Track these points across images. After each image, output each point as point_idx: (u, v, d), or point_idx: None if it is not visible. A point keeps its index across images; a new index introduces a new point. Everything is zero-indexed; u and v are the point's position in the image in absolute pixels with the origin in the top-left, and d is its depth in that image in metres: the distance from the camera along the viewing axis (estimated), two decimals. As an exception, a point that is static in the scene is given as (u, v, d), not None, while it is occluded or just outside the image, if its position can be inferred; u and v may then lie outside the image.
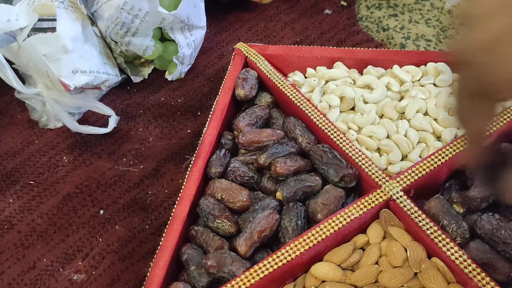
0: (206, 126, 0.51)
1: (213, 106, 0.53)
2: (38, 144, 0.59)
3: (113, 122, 0.57)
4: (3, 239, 0.51)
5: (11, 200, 0.54)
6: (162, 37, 0.61)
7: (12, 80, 0.53)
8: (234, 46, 0.57)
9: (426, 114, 0.51)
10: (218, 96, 0.53)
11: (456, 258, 0.40)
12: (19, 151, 0.59)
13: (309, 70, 0.56)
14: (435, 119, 0.50)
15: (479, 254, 0.40)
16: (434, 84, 0.52)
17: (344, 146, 0.47)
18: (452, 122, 0.49)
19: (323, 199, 0.45)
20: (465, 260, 0.39)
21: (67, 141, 0.59)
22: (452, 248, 0.40)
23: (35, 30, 0.55)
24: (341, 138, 0.48)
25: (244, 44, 0.57)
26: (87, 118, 0.61)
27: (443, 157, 0.45)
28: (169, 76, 0.63)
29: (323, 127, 0.49)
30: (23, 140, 0.59)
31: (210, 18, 0.64)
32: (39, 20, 0.55)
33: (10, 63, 0.55)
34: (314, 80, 0.54)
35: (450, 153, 0.46)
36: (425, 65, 0.54)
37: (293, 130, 0.50)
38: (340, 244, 0.43)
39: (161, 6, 0.55)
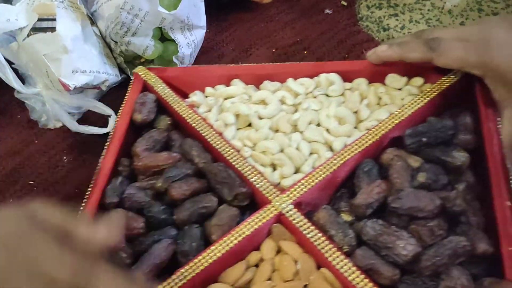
0: (103, 154, 0.51)
1: (110, 133, 0.52)
2: (38, 144, 0.59)
3: (113, 122, 0.57)
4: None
5: (10, 200, 0.54)
6: (162, 37, 0.60)
7: (11, 80, 0.54)
8: (133, 71, 0.57)
9: (319, 125, 0.52)
10: (115, 122, 0.53)
11: (342, 267, 0.40)
12: (19, 151, 0.59)
13: (208, 89, 0.56)
14: (327, 130, 0.51)
15: (364, 260, 0.41)
16: (327, 95, 0.54)
17: (237, 164, 0.48)
18: (342, 131, 0.50)
19: (217, 219, 0.45)
20: (349, 268, 0.40)
21: (67, 141, 0.59)
22: (338, 257, 0.41)
23: (35, 30, 0.55)
24: (235, 156, 0.48)
25: (143, 68, 0.57)
26: (87, 118, 0.61)
27: (331, 167, 0.46)
28: None
29: (217, 147, 0.49)
30: (23, 140, 0.59)
31: (210, 18, 0.64)
32: (39, 20, 0.55)
33: (10, 63, 0.55)
34: (211, 100, 0.54)
35: (338, 162, 0.46)
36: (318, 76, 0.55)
37: (189, 151, 0.50)
38: (236, 263, 0.44)
39: (161, 6, 0.54)
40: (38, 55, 0.54)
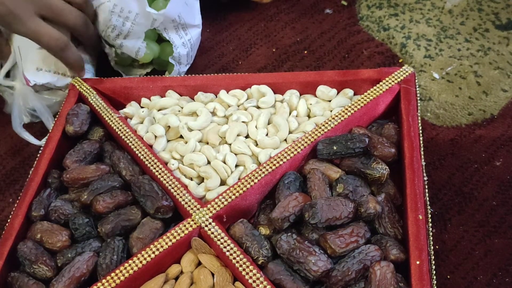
0: (33, 166, 0.51)
1: (42, 144, 0.53)
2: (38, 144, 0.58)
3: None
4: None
5: (10, 200, 0.54)
6: (160, 38, 0.60)
7: None
8: (70, 81, 0.58)
9: (248, 137, 0.52)
10: (48, 134, 0.53)
11: (254, 281, 0.41)
12: (18, 151, 0.59)
13: (144, 100, 0.57)
14: (255, 141, 0.51)
15: (274, 274, 0.42)
16: (258, 107, 0.54)
17: (162, 177, 0.48)
18: (269, 143, 0.50)
19: (139, 232, 0.46)
20: (261, 282, 0.41)
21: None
22: (251, 271, 0.41)
23: None
24: (160, 169, 0.49)
25: (78, 79, 0.57)
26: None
27: (252, 180, 0.47)
28: (168, 76, 0.61)
29: (144, 159, 0.50)
30: (23, 140, 0.59)
31: (210, 17, 0.63)
32: None
33: None
34: (143, 111, 0.55)
35: (260, 175, 0.47)
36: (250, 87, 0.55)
37: (118, 163, 0.50)
38: (156, 275, 0.44)
39: (153, 7, 0.55)
40: (15, 46, 0.57)
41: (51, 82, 0.58)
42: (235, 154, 0.50)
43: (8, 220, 0.47)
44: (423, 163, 0.47)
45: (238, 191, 0.46)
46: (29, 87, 0.58)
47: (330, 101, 0.53)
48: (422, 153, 0.47)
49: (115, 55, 0.60)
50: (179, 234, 0.44)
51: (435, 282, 0.41)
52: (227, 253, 0.43)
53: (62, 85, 0.59)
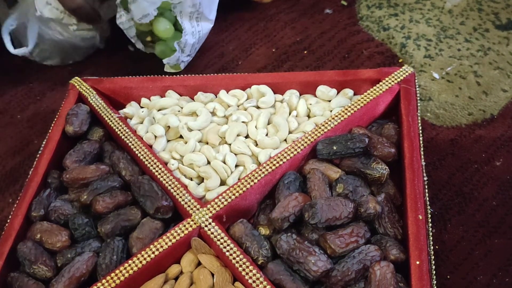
0: (33, 166, 0.51)
1: (42, 145, 0.53)
2: (38, 144, 0.59)
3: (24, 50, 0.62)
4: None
5: (10, 200, 0.54)
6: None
7: None
8: (70, 82, 0.58)
9: (248, 137, 0.52)
10: (48, 134, 0.53)
11: (254, 281, 0.41)
12: (18, 151, 0.59)
13: (143, 100, 0.57)
14: (255, 142, 0.51)
15: (274, 274, 0.42)
16: (258, 107, 0.54)
17: (162, 177, 0.48)
18: (269, 143, 0.50)
19: (139, 232, 0.46)
20: (261, 283, 0.41)
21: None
22: (251, 271, 0.41)
23: None
24: (160, 169, 0.49)
25: (78, 79, 0.57)
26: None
27: (252, 180, 0.47)
28: (165, 60, 0.60)
29: (144, 159, 0.50)
30: (23, 140, 0.60)
31: None
32: None
33: None
34: (143, 111, 0.55)
35: (260, 175, 0.47)
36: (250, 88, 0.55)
37: (117, 163, 0.50)
38: (156, 275, 0.44)
39: None
40: None
41: (57, 18, 0.59)
42: (235, 154, 0.50)
43: (8, 220, 0.47)
44: (423, 163, 0.47)
45: (238, 191, 0.46)
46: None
47: (330, 101, 0.53)
48: (422, 153, 0.47)
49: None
50: (179, 234, 0.44)
51: (435, 282, 0.41)
52: (227, 253, 0.43)
53: (68, 23, 0.60)
